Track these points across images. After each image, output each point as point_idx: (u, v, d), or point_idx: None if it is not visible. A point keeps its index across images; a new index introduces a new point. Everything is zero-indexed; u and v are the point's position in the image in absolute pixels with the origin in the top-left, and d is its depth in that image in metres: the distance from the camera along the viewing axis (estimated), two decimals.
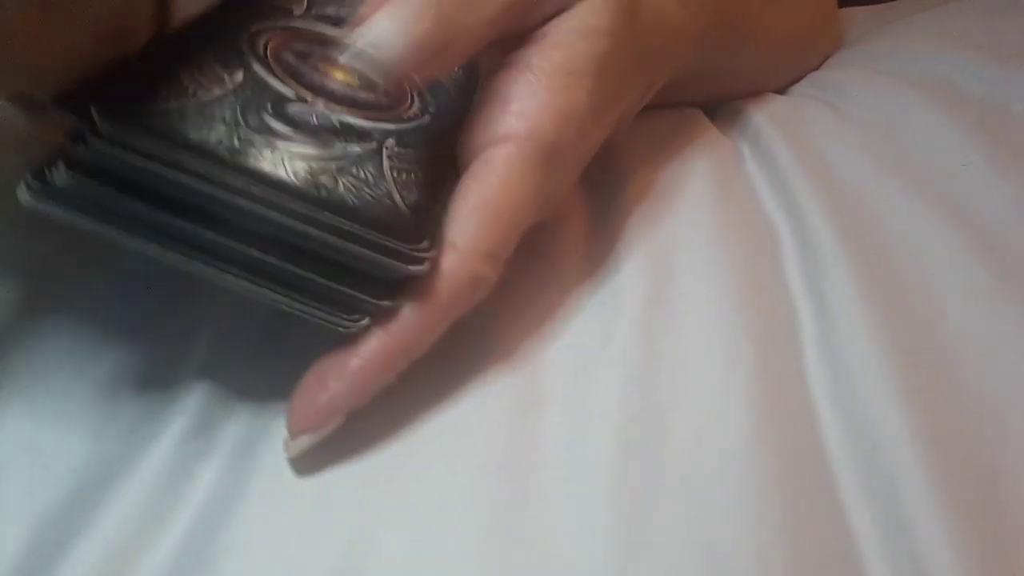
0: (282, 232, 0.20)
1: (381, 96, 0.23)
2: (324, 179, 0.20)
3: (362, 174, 0.21)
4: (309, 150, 0.20)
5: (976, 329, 0.22)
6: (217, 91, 0.21)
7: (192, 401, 0.22)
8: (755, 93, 0.36)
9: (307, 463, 0.21)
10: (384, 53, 0.21)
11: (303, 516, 0.20)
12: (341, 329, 0.20)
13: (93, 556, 0.20)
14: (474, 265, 0.21)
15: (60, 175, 0.19)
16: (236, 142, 0.20)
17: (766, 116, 0.32)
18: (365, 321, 0.20)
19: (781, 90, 0.38)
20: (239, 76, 0.21)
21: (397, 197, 0.21)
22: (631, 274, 0.24)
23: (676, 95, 0.31)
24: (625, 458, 0.20)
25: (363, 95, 0.23)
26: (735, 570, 0.18)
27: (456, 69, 0.25)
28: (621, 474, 0.20)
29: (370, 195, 0.20)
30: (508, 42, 0.23)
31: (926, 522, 0.18)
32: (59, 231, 0.27)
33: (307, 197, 0.20)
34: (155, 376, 0.23)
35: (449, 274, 0.21)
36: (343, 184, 0.20)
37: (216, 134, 0.20)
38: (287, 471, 0.21)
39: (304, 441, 0.20)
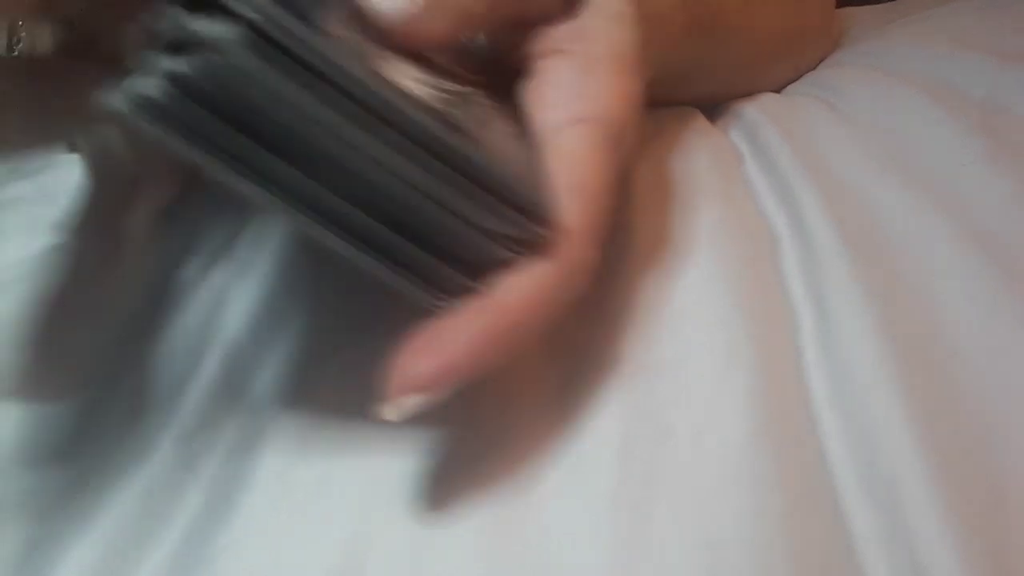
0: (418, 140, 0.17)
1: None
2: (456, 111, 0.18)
3: (480, 123, 0.19)
4: (428, 90, 0.18)
5: (977, 329, 0.22)
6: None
7: (192, 400, 0.22)
8: (749, 92, 0.36)
9: (308, 463, 0.21)
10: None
11: (303, 516, 0.20)
12: (428, 305, 0.18)
13: (93, 556, 0.20)
14: (586, 248, 0.20)
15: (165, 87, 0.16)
16: (371, 75, 0.17)
17: (765, 116, 0.32)
18: (454, 301, 0.18)
19: (779, 89, 0.38)
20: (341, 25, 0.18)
21: (520, 152, 0.19)
22: (631, 273, 0.24)
23: (667, 93, 0.31)
24: (625, 458, 0.20)
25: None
26: (735, 570, 0.18)
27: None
28: (621, 474, 0.20)
29: (498, 146, 0.19)
30: (512, 26, 0.23)
31: (926, 522, 0.18)
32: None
33: (445, 119, 0.17)
34: (155, 375, 0.23)
35: (566, 258, 0.20)
36: (483, 137, 0.18)
37: (352, 63, 0.17)
38: (287, 471, 0.21)
39: (411, 403, 0.18)
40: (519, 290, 0.19)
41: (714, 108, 0.35)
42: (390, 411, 0.18)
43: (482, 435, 0.21)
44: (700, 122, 0.32)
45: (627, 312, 0.23)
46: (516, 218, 0.19)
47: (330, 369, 0.23)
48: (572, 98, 0.22)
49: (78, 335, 0.24)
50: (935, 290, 0.23)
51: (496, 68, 0.24)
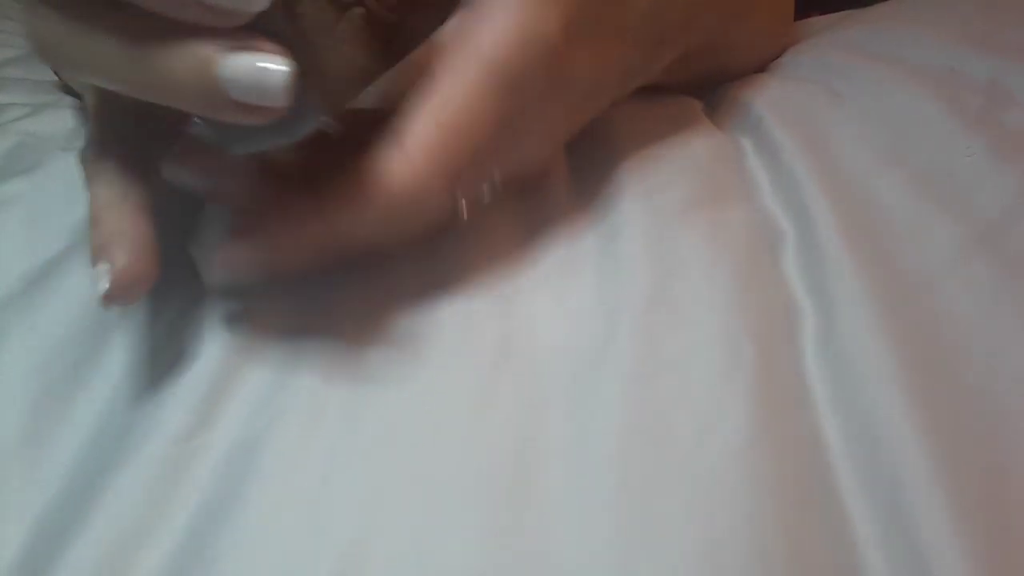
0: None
1: None
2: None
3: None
4: None
5: (980, 326, 0.22)
6: None
7: (192, 400, 0.22)
8: (742, 71, 0.35)
9: (308, 463, 0.21)
10: None
11: (303, 516, 0.20)
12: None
13: (93, 556, 0.20)
14: (422, 170, 0.20)
15: None
16: None
17: (767, 105, 0.32)
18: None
19: (784, 73, 0.37)
20: None
21: (341, 53, 0.19)
22: (632, 274, 0.24)
23: (677, 73, 0.31)
24: (626, 458, 0.20)
25: None
26: (735, 570, 0.18)
27: None
28: (622, 474, 0.19)
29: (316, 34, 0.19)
30: None
31: (928, 522, 0.18)
32: (64, 226, 0.27)
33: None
34: (155, 375, 0.23)
35: (398, 178, 0.20)
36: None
37: None
38: (287, 471, 0.21)
39: (217, 275, 0.21)
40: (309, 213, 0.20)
41: (713, 96, 0.34)
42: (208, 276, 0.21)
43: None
44: (699, 115, 0.32)
45: (627, 312, 0.23)
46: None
47: (330, 369, 0.23)
48: (475, 28, 0.21)
49: None
50: (937, 287, 0.23)
51: None
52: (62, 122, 0.33)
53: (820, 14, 0.48)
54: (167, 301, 0.25)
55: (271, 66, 0.18)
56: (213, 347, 0.23)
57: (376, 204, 0.21)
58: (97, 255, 0.21)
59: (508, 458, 0.20)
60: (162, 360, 0.23)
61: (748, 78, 0.35)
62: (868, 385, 0.21)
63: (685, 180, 0.27)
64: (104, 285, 0.20)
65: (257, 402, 0.22)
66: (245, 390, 0.22)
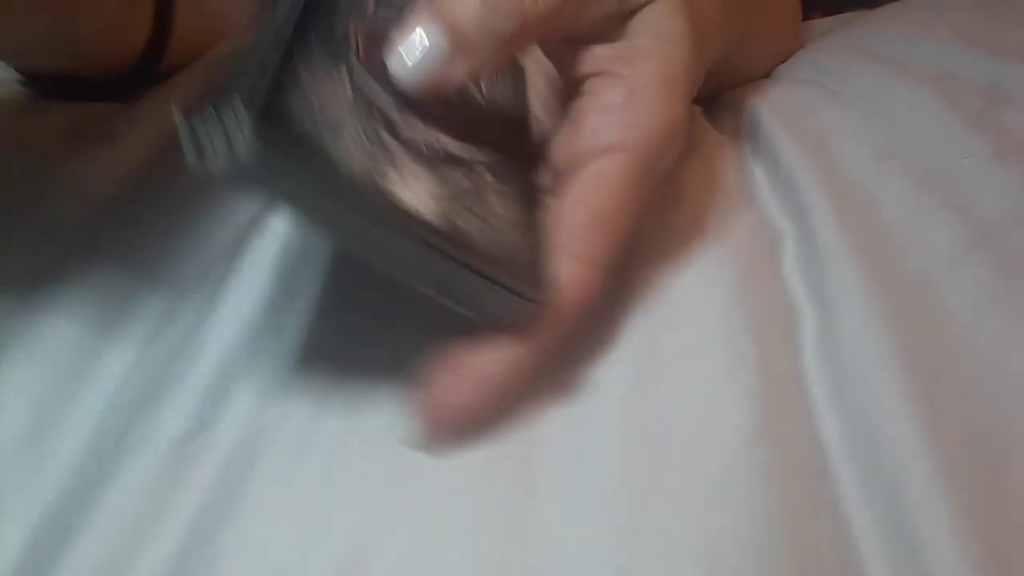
0: (430, 267, 0.18)
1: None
2: (458, 220, 0.19)
3: (480, 212, 0.20)
4: (431, 183, 0.19)
5: (979, 326, 0.22)
6: (337, 102, 0.19)
7: (192, 402, 0.22)
8: (746, 82, 0.36)
9: (308, 463, 0.21)
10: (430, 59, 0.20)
11: (303, 517, 0.20)
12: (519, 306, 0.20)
13: (93, 556, 0.20)
14: (595, 276, 0.21)
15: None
16: (374, 172, 0.18)
17: (767, 107, 0.32)
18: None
19: (784, 75, 0.37)
20: (345, 76, 0.19)
21: (514, 237, 0.20)
22: (632, 274, 0.24)
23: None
24: (626, 458, 0.20)
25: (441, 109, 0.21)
26: (735, 569, 0.18)
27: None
28: (622, 474, 0.20)
29: (494, 236, 0.19)
30: (563, 43, 0.23)
31: (928, 522, 0.18)
32: (63, 229, 0.27)
33: (449, 238, 0.18)
34: (155, 376, 0.23)
35: (574, 286, 0.20)
36: (472, 223, 0.19)
37: (352, 156, 0.17)
38: (287, 472, 0.21)
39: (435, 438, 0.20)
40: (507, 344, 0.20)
41: (713, 98, 0.35)
42: (428, 443, 0.20)
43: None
44: (699, 119, 0.32)
45: (628, 312, 0.23)
46: (507, 296, 0.19)
47: (330, 369, 0.23)
48: (608, 126, 0.22)
49: None
50: (938, 288, 0.23)
51: (508, 127, 0.24)
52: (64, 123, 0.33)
53: (823, 16, 0.48)
54: (170, 304, 0.25)
55: None
56: (214, 349, 0.23)
57: (569, 318, 0.21)
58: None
59: (508, 458, 0.20)
60: (162, 361, 0.23)
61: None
62: (868, 385, 0.21)
63: (685, 181, 0.27)
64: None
65: (257, 404, 0.22)
66: (245, 393, 0.22)
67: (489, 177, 0.21)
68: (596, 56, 0.22)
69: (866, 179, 0.27)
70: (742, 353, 0.22)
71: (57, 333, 0.24)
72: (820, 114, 0.31)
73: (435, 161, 0.20)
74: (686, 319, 0.23)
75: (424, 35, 0.20)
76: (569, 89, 0.23)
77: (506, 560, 0.19)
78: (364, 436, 0.21)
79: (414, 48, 0.20)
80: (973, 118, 0.29)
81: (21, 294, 0.25)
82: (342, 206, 0.17)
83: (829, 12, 0.49)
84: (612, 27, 0.22)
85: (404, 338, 0.23)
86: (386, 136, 0.19)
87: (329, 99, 0.18)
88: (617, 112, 0.22)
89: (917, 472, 0.19)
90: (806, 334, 0.23)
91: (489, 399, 0.20)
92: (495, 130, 0.23)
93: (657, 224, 0.25)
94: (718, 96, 0.35)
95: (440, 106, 0.21)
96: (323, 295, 0.24)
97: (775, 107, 0.32)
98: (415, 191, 0.18)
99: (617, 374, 0.21)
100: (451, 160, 0.20)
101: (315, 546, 0.19)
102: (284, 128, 0.16)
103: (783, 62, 0.38)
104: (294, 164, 0.16)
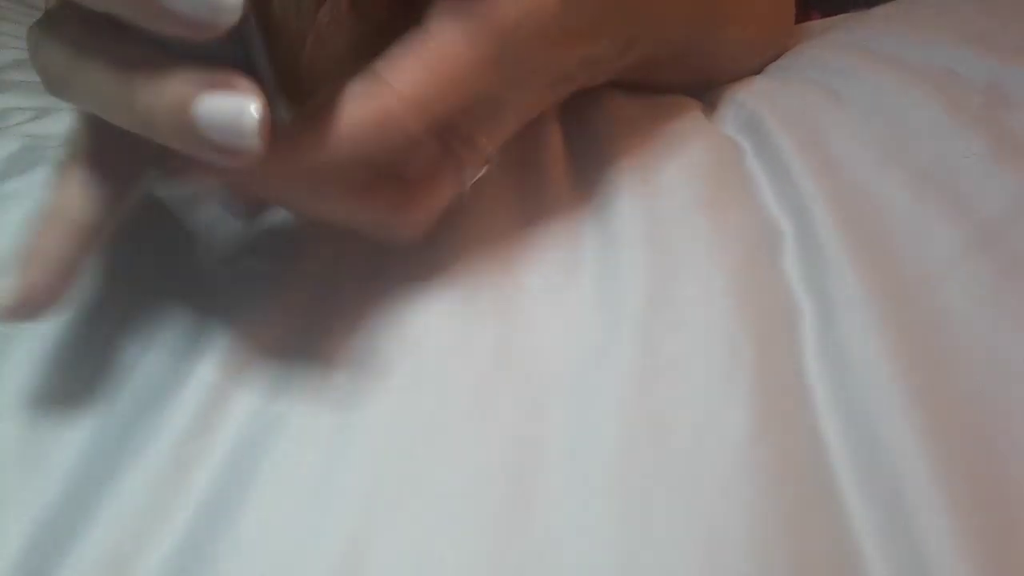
0: None
1: None
2: None
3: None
4: None
5: (979, 326, 0.22)
6: None
7: (192, 400, 0.22)
8: (737, 73, 0.35)
9: (308, 463, 0.21)
10: None
11: (303, 517, 0.20)
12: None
13: (93, 555, 0.20)
14: (403, 111, 0.20)
15: None
16: None
17: (766, 106, 0.32)
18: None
19: (783, 74, 0.37)
20: None
21: (308, 47, 0.19)
22: (632, 275, 0.24)
23: (665, 73, 0.31)
24: (626, 458, 0.20)
25: None
26: (735, 568, 0.18)
27: None
28: (621, 474, 0.19)
29: (291, 24, 0.19)
30: None
31: (928, 522, 0.18)
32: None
33: None
34: (155, 376, 0.23)
35: (371, 102, 0.20)
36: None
37: None
38: (287, 473, 0.21)
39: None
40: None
41: (711, 96, 0.35)
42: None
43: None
44: (698, 116, 0.32)
45: (627, 311, 0.23)
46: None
47: (329, 368, 0.23)
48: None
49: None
50: (937, 287, 0.23)
51: None
52: (66, 125, 0.33)
53: (821, 16, 0.48)
54: (168, 305, 0.25)
55: (246, 109, 0.18)
56: (214, 351, 0.23)
57: (353, 136, 0.20)
58: (8, 267, 0.21)
59: (508, 458, 0.20)
60: (163, 362, 0.23)
61: (747, 79, 0.35)
62: (868, 385, 0.21)
63: (684, 181, 0.27)
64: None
65: (257, 405, 0.22)
66: (245, 393, 0.22)
67: None
68: None
69: (866, 179, 0.27)
70: (742, 352, 0.22)
71: (57, 333, 0.24)
72: (820, 113, 0.31)
73: None
74: (685, 318, 0.23)
75: None
76: None
77: (506, 559, 0.19)
78: (364, 435, 0.21)
79: None
80: (973, 117, 0.29)
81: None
82: None
83: (828, 13, 0.49)
84: None
85: (401, 335, 0.23)
86: None
87: None
88: None
89: (917, 472, 0.19)
90: (806, 333, 0.23)
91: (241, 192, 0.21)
92: None
93: (656, 224, 0.25)
94: (717, 93, 0.35)
95: None
96: (322, 295, 0.24)
97: (774, 105, 0.32)
98: None
99: (617, 374, 0.21)
100: None
101: (315, 546, 0.19)
102: None
103: (775, 59, 0.38)
104: None
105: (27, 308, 0.21)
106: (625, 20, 0.25)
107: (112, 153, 0.22)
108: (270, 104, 0.19)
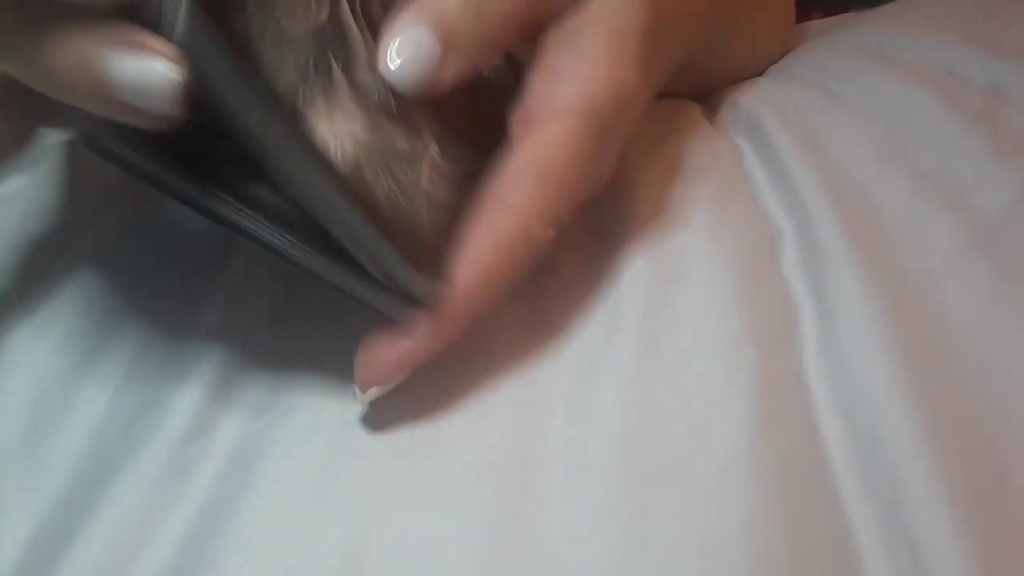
0: (313, 207, 0.18)
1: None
2: (367, 173, 0.18)
3: (401, 177, 0.19)
4: (360, 129, 0.19)
5: (979, 326, 0.22)
6: (300, 22, 0.18)
7: (193, 400, 0.22)
8: (738, 80, 0.36)
9: (308, 463, 0.21)
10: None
11: (303, 516, 0.20)
12: (392, 315, 0.20)
13: (93, 555, 0.20)
14: (528, 223, 0.21)
15: None
16: (300, 94, 0.18)
17: (765, 107, 0.32)
18: (413, 309, 0.19)
19: (782, 75, 0.37)
20: (324, 14, 0.19)
21: (425, 216, 0.19)
22: (632, 275, 0.24)
23: (671, 85, 0.31)
24: (626, 459, 0.20)
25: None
26: (735, 569, 0.18)
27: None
28: (622, 475, 0.19)
29: (403, 206, 0.19)
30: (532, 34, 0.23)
31: (928, 522, 0.18)
32: (63, 222, 0.27)
33: (348, 188, 0.18)
34: (156, 375, 0.23)
35: (503, 231, 0.21)
36: (383, 184, 0.19)
37: (286, 77, 0.18)
38: (287, 473, 0.21)
39: (373, 392, 0.21)
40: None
41: (712, 97, 0.35)
42: (362, 397, 0.20)
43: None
44: (698, 118, 0.32)
45: (628, 311, 0.23)
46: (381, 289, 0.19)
47: (328, 369, 0.23)
48: (557, 89, 0.22)
49: None
50: (937, 287, 0.23)
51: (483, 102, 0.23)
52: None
53: (821, 16, 0.48)
54: (168, 305, 0.25)
55: (158, 69, 0.17)
56: (213, 351, 0.23)
57: (492, 268, 0.21)
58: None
59: (508, 458, 0.20)
60: (163, 363, 0.23)
61: (746, 81, 0.35)
62: (868, 385, 0.21)
63: (684, 181, 0.27)
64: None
65: (256, 405, 0.22)
66: (245, 394, 0.22)
67: (434, 148, 0.21)
68: (556, 28, 0.23)
69: (866, 179, 0.27)
70: (742, 353, 0.22)
71: (56, 332, 0.24)
72: (819, 114, 0.31)
73: (378, 111, 0.19)
74: (686, 319, 0.23)
75: (414, 36, 0.20)
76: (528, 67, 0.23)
77: (505, 559, 0.19)
78: (363, 436, 0.21)
79: (404, 48, 0.20)
80: (973, 117, 0.29)
81: (21, 292, 0.25)
82: (246, 103, 0.17)
83: (829, 13, 0.49)
84: (572, 5, 0.23)
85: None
86: (338, 71, 0.19)
87: (290, 15, 0.18)
88: (566, 76, 0.22)
89: (917, 471, 0.19)
90: (806, 334, 0.23)
91: (420, 349, 0.20)
92: (460, 109, 0.22)
93: (656, 223, 0.25)
94: (717, 96, 0.35)
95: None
96: (322, 295, 0.24)
97: (774, 106, 0.32)
98: (336, 127, 0.18)
99: (617, 374, 0.21)
100: (400, 117, 0.20)
101: (314, 546, 0.19)
102: (212, 15, 0.17)
103: (776, 60, 0.38)
104: (212, 47, 0.17)
105: None
106: (676, 50, 0.26)
107: (13, 97, 0.22)
108: (410, 285, 0.19)
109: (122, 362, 0.23)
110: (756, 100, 0.33)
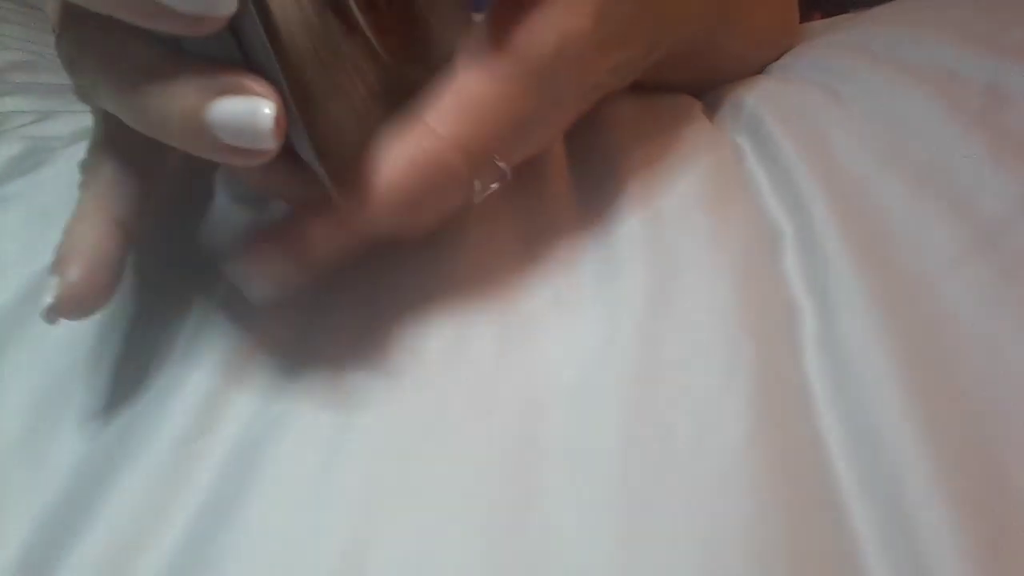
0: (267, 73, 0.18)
1: None
2: (309, 60, 0.19)
3: (339, 76, 0.20)
4: (314, 18, 0.19)
5: (979, 326, 0.22)
6: None
7: (193, 403, 0.22)
8: (741, 72, 0.35)
9: (308, 463, 0.21)
10: None
11: (303, 517, 0.20)
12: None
13: (93, 555, 0.20)
14: (443, 147, 0.21)
15: None
16: None
17: (766, 106, 0.32)
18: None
19: (784, 74, 0.37)
20: None
21: (353, 119, 0.20)
22: (632, 275, 0.24)
23: (672, 73, 0.31)
24: (626, 458, 0.20)
25: None
26: (735, 570, 0.18)
27: None
28: (622, 474, 0.19)
29: (334, 105, 0.19)
30: None
31: (928, 522, 0.18)
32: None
33: (289, 62, 0.18)
34: (156, 375, 0.23)
35: (417, 148, 0.20)
36: (320, 74, 0.19)
37: None
38: (288, 473, 0.21)
39: (264, 288, 0.21)
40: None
41: (712, 97, 0.35)
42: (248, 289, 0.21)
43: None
44: (698, 116, 0.32)
45: (627, 311, 0.23)
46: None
47: (329, 368, 0.23)
48: (512, 25, 0.21)
49: None
50: (937, 287, 0.23)
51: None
52: (69, 127, 0.33)
53: (822, 16, 0.48)
54: (169, 306, 0.25)
55: (259, 110, 0.18)
56: (214, 351, 0.23)
57: (401, 183, 0.21)
58: (54, 267, 0.21)
59: (508, 458, 0.20)
60: (163, 363, 0.23)
61: (748, 79, 0.35)
62: (868, 385, 0.21)
63: (685, 181, 0.27)
64: (48, 299, 0.20)
65: (257, 405, 0.22)
66: (245, 393, 0.22)
67: (377, 58, 0.21)
68: None
69: (866, 179, 0.27)
70: (742, 353, 0.22)
71: (57, 333, 0.24)
72: (820, 113, 0.31)
73: (327, 7, 0.19)
74: (685, 319, 0.23)
75: None
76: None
77: (506, 559, 0.19)
78: (364, 435, 0.21)
79: None
80: (973, 117, 0.29)
81: (21, 291, 0.25)
82: None
83: (830, 13, 0.49)
84: None
85: (400, 335, 0.23)
86: None
87: None
88: (518, 16, 0.21)
89: (917, 472, 0.19)
90: (806, 333, 0.23)
91: (302, 273, 0.21)
92: (413, 25, 0.23)
93: (655, 223, 0.25)
94: (717, 93, 0.35)
95: None
96: (322, 296, 0.24)
97: (775, 106, 0.32)
98: (285, 8, 0.18)
99: (617, 374, 0.21)
100: (347, 22, 0.20)
101: (315, 545, 0.19)
102: None
103: (777, 58, 0.38)
104: None
105: (70, 305, 0.20)
106: (653, 24, 0.26)
107: (138, 148, 0.22)
108: (312, 167, 0.19)
109: (122, 362, 0.23)
110: (757, 98, 0.33)
